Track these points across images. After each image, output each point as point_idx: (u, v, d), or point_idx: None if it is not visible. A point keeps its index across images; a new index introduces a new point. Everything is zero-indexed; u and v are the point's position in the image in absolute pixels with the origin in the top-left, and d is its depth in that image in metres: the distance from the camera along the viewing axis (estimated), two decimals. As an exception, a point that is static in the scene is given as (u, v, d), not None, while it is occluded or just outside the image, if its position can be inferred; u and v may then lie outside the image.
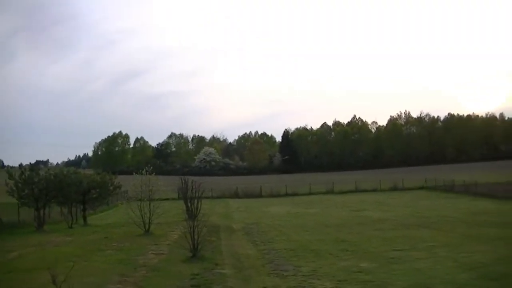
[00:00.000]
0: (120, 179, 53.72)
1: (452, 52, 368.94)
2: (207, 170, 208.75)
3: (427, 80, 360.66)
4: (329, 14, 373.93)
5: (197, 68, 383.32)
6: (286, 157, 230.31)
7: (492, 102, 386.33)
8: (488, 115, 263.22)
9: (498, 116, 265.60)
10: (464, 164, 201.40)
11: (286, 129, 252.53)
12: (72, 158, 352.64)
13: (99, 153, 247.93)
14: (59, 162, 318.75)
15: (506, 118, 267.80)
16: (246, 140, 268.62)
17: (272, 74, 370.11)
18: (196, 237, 26.20)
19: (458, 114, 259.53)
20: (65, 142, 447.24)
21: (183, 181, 48.05)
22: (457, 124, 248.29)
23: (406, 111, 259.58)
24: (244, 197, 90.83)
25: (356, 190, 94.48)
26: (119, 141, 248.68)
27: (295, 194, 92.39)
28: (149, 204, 36.12)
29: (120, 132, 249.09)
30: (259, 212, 61.70)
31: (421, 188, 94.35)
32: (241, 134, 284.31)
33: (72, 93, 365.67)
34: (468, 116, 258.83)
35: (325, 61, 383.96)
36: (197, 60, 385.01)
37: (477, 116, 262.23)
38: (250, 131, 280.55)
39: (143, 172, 38.70)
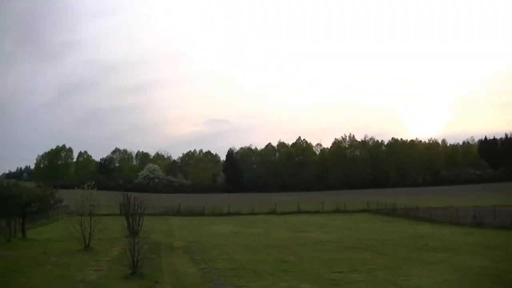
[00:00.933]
0: (61, 193, 52.96)
1: (399, 78, 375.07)
2: (150, 186, 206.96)
3: (372, 104, 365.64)
4: (279, 21, 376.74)
5: (142, 84, 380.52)
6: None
7: (434, 128, 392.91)
8: (431, 141, 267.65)
9: (440, 142, 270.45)
10: (406, 188, 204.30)
11: (230, 148, 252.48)
12: (14, 170, 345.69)
13: (41, 166, 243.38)
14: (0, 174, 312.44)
15: (448, 144, 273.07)
16: (190, 157, 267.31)
17: (217, 92, 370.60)
18: (136, 254, 25.96)
19: (401, 138, 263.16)
20: (6, 155, 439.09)
21: (125, 197, 47.63)
22: (400, 149, 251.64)
23: (350, 134, 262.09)
24: (186, 215, 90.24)
25: (299, 211, 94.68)
26: (62, 154, 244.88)
27: (237, 214, 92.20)
28: (90, 219, 35.69)
29: (64, 145, 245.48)
30: (201, 230, 61.42)
31: (363, 211, 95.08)
32: (185, 151, 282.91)
33: (15, 105, 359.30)
34: (411, 141, 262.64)
35: (268, 81, 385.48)
36: (142, 76, 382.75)
37: (420, 141, 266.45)
38: (195, 149, 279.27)
39: (84, 186, 38.25)
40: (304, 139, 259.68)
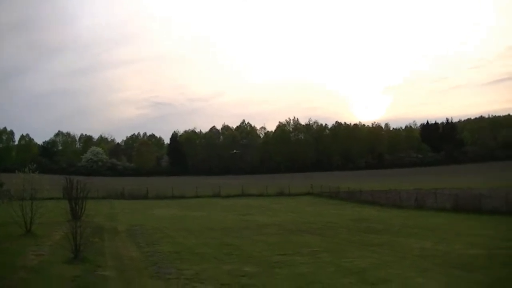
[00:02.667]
0: (2, 177, 52.14)
1: (344, 62, 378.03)
2: (93, 170, 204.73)
3: (317, 88, 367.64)
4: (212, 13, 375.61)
5: (86, 67, 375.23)
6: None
7: (377, 112, 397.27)
8: (374, 125, 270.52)
9: (383, 126, 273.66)
10: (350, 171, 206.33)
11: (174, 132, 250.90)
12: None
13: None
14: None
15: (391, 128, 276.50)
16: (134, 141, 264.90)
17: (161, 75, 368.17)
18: (78, 238, 25.62)
19: (345, 122, 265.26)
20: None
21: (68, 181, 47.00)
22: (344, 132, 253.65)
23: (294, 117, 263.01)
24: (130, 199, 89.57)
25: (243, 195, 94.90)
26: (3, 137, 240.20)
27: (182, 197, 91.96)
28: (32, 204, 35.11)
29: (5, 128, 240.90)
30: (144, 214, 61.05)
31: (307, 194, 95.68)
32: (129, 135, 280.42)
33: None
34: (355, 125, 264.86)
35: (212, 64, 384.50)
36: (86, 59, 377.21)
37: (364, 125, 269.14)
38: (139, 132, 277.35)
39: (26, 170, 37.59)
40: (248, 123, 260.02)
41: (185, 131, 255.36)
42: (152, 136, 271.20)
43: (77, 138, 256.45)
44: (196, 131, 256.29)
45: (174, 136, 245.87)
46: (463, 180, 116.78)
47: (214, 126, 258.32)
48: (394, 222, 45.68)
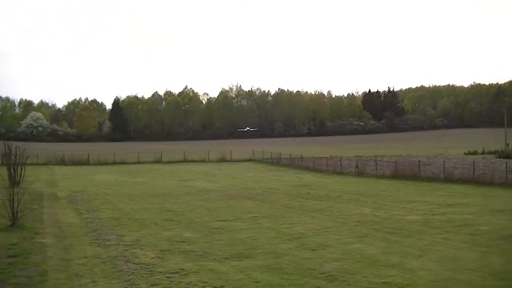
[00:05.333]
0: None
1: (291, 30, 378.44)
2: (34, 135, 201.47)
3: (260, 54, 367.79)
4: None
5: (24, 27, 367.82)
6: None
7: (319, 80, 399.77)
8: (317, 92, 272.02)
9: (326, 94, 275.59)
10: (292, 138, 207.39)
11: (116, 97, 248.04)
12: None
13: None
14: None
15: (333, 96, 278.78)
16: (75, 106, 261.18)
17: (103, 37, 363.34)
18: (16, 204, 25.26)
19: (288, 89, 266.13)
20: None
21: (6, 146, 46.10)
22: (286, 99, 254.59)
23: (237, 84, 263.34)
24: (71, 164, 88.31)
25: (185, 160, 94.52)
26: None
27: (123, 163, 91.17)
28: (-33, 169, 34.44)
29: None
30: (85, 180, 60.37)
31: (249, 160, 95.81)
32: (70, 100, 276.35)
33: None
34: (298, 92, 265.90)
35: (160, 29, 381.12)
36: (24, 18, 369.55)
37: (306, 92, 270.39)
38: (80, 97, 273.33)
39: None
40: (191, 88, 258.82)
41: (127, 97, 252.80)
42: (94, 101, 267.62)
43: (16, 103, 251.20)
44: (138, 97, 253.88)
45: (116, 102, 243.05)
46: (403, 148, 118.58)
47: (156, 91, 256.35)
48: (335, 189, 46.11)
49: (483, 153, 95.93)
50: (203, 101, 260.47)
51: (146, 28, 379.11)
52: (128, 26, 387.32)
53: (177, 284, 15.76)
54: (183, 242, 22.29)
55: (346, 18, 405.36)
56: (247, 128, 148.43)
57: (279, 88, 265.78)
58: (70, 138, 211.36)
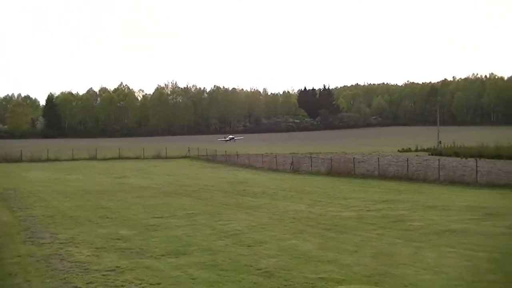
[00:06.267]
0: None
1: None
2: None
3: (196, 50, 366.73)
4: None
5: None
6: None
7: (255, 77, 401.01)
8: (252, 90, 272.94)
9: (261, 91, 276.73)
10: (227, 135, 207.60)
11: (50, 93, 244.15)
12: None
13: None
14: None
15: (269, 93, 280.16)
16: (8, 102, 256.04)
17: (36, 32, 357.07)
18: None
19: (223, 86, 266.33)
20: None
21: None
22: (222, 96, 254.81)
23: (173, 81, 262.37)
24: (3, 162, 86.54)
25: (120, 157, 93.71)
26: None
27: (57, 160, 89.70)
28: None
29: None
30: (18, 177, 59.19)
31: (184, 157, 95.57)
32: (2, 96, 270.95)
33: None
34: (233, 89, 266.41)
35: (95, 25, 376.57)
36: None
37: (242, 89, 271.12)
38: (13, 93, 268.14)
39: None
40: (126, 85, 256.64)
41: (62, 93, 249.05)
42: (27, 97, 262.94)
43: None
44: (73, 93, 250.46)
45: (50, 98, 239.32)
46: (337, 145, 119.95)
47: (91, 88, 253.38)
48: (270, 185, 46.28)
49: (416, 150, 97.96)
50: (139, 97, 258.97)
51: (81, 24, 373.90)
52: (61, 22, 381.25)
53: (113, 282, 15.61)
54: (118, 239, 22.09)
55: (281, 16, 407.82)
56: (230, 136, 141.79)
57: (215, 85, 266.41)
58: (2, 134, 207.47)
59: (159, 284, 15.34)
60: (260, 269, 16.64)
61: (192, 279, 15.78)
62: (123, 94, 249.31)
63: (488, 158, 74.73)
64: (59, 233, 23.54)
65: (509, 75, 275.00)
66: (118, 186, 47.53)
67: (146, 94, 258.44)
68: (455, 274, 15.75)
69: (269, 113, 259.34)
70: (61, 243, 21.37)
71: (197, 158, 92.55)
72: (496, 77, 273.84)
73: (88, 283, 15.55)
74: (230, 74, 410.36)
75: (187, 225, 25.58)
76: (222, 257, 18.46)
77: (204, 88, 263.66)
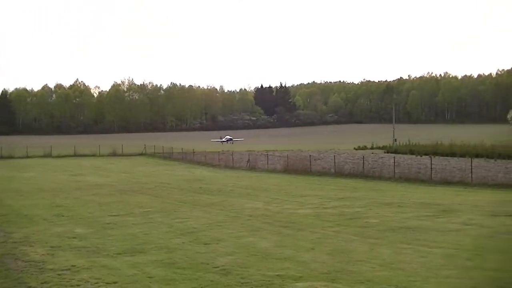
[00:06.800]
0: None
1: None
2: None
3: (152, 46, 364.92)
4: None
5: None
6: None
7: (212, 74, 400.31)
8: (209, 87, 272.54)
9: (218, 88, 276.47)
10: (184, 132, 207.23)
11: (4, 89, 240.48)
12: None
13: None
14: None
15: (225, 91, 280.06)
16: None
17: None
18: None
19: (180, 83, 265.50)
20: None
21: None
22: (178, 93, 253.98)
23: (129, 77, 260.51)
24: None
25: (75, 155, 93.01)
26: None
27: (10, 157, 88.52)
28: None
29: None
30: (-30, 175, 58.34)
31: (141, 154, 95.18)
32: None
33: None
34: (190, 86, 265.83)
35: (55, 20, 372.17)
36: None
37: (198, 87, 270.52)
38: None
39: None
40: (82, 81, 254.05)
41: (16, 89, 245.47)
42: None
43: None
44: (28, 89, 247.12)
45: (4, 94, 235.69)
46: (294, 143, 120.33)
47: (46, 84, 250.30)
48: (227, 183, 46.29)
49: (372, 148, 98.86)
50: (95, 94, 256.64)
51: (36, 19, 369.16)
52: (14, 16, 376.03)
53: (68, 281, 15.42)
54: (74, 238, 21.87)
55: (236, 13, 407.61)
56: (227, 137, 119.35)
57: (171, 83, 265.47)
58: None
59: (115, 283, 15.21)
60: (217, 267, 16.60)
61: (149, 277, 15.68)
62: (78, 90, 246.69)
63: (442, 155, 75.80)
64: (13, 232, 23.22)
65: (463, 74, 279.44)
66: (74, 184, 47.12)
67: (102, 91, 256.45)
68: (410, 270, 15.90)
69: (226, 110, 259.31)
70: (15, 242, 21.08)
71: (153, 155, 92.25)
72: (450, 76, 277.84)
73: (43, 283, 15.34)
74: (187, 71, 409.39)
75: (144, 223, 25.45)
76: (179, 255, 18.38)
77: (161, 85, 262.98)
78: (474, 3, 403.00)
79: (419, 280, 14.74)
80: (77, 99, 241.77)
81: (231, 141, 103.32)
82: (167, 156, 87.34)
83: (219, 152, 79.56)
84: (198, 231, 23.27)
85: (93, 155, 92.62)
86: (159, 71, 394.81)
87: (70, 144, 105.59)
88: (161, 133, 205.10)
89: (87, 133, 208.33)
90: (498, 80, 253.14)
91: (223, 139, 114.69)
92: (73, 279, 15.59)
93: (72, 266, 17.06)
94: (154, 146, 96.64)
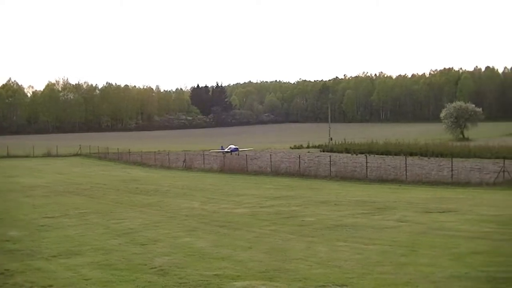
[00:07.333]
0: None
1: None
2: None
3: (88, 46, 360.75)
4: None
5: None
6: None
7: (148, 74, 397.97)
8: (145, 87, 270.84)
9: (154, 88, 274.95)
10: (119, 132, 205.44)
11: None
12: None
13: None
14: None
15: (161, 91, 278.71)
16: None
17: None
18: None
19: (116, 83, 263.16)
20: None
21: None
22: (114, 93, 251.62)
23: (64, 77, 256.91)
24: None
25: (8, 156, 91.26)
26: None
27: None
28: None
29: None
30: None
31: (76, 155, 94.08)
32: None
33: None
34: (126, 86, 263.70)
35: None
36: None
37: (134, 86, 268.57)
38: None
39: None
40: (15, 81, 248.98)
41: None
42: None
43: None
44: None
45: None
46: (230, 142, 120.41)
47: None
48: (163, 183, 46.12)
49: (308, 147, 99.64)
50: (28, 94, 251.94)
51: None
52: None
53: (2, 286, 15.13)
54: (7, 241, 21.46)
55: (173, 12, 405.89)
56: (232, 147, 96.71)
57: (107, 82, 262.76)
58: None
59: (51, 286, 14.98)
60: (155, 268, 16.52)
61: (85, 279, 15.50)
62: (11, 90, 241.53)
63: (378, 154, 76.92)
64: None
65: (397, 74, 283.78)
66: (7, 185, 46.33)
67: (36, 90, 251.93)
68: (347, 267, 16.09)
69: (162, 110, 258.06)
70: None
71: (89, 156, 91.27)
72: (385, 76, 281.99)
73: (-25, 288, 15.06)
74: (123, 71, 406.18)
75: (79, 225, 25.17)
76: (115, 256, 18.23)
77: (96, 84, 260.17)
78: (408, 4, 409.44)
79: (355, 277, 14.92)
80: (10, 99, 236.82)
81: (237, 152, 78.55)
82: (103, 156, 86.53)
83: (155, 152, 79.06)
84: (135, 232, 23.13)
85: (27, 156, 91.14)
86: (95, 70, 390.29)
87: (2, 145, 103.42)
88: (96, 133, 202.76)
89: (20, 133, 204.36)
90: (431, 80, 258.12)
91: (227, 149, 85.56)
92: (6, 283, 15.30)
93: (6, 270, 16.72)
94: (90, 146, 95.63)
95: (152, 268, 16.55)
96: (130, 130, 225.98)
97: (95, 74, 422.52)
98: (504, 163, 43.93)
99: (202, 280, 15.03)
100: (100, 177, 53.72)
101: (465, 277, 14.58)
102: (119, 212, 29.21)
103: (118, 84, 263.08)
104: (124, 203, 33.77)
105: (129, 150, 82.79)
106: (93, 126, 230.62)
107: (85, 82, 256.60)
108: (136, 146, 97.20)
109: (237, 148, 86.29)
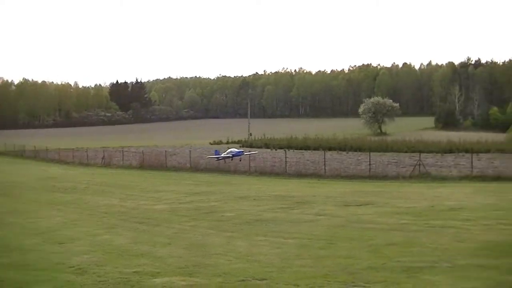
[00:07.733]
0: None
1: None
2: None
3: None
4: None
5: None
6: None
7: (66, 70, 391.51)
8: (63, 83, 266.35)
9: (72, 84, 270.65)
10: (36, 129, 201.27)
11: None
12: None
13: None
14: None
15: (80, 87, 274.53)
16: None
17: None
18: None
19: (32, 79, 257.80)
20: None
21: None
22: (31, 89, 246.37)
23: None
24: None
25: None
26: None
27: None
28: None
29: None
30: None
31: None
32: None
33: None
34: (43, 82, 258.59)
35: None
36: None
37: (52, 82, 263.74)
38: None
39: None
40: None
41: None
42: None
43: None
44: None
45: None
46: (149, 139, 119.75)
47: None
48: (81, 180, 45.55)
49: (227, 142, 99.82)
50: None
51: None
52: None
53: None
54: None
55: (92, 8, 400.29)
56: (232, 150, 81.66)
57: (23, 78, 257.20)
58: None
59: (-37, 289, 14.66)
60: (73, 266, 16.30)
61: (1, 281, 15.18)
62: None
63: (297, 149, 77.82)
64: None
65: (316, 70, 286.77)
66: None
67: None
68: (266, 261, 16.24)
69: (80, 106, 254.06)
70: None
71: (4, 153, 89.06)
72: (305, 71, 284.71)
73: None
74: (40, 67, 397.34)
75: (-11, 225, 24.64)
76: (32, 256, 17.92)
77: (12, 80, 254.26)
78: (327, 1, 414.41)
79: (275, 271, 15.06)
80: None
81: (240, 157, 61.53)
82: (19, 154, 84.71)
83: (73, 149, 77.94)
84: (52, 230, 22.79)
85: None
86: (10, 66, 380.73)
87: None
88: (12, 130, 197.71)
89: None
90: (350, 76, 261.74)
91: (225, 154, 63.74)
92: None
93: None
94: (5, 144, 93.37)
95: (70, 267, 16.32)
96: (48, 127, 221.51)
97: (11, 70, 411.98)
98: (419, 156, 45.21)
99: (121, 278, 14.92)
100: (17, 176, 52.62)
101: (382, 268, 14.92)
102: (36, 211, 28.75)
103: (35, 80, 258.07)
104: (41, 201, 33.26)
105: (46, 147, 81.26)
106: (8, 123, 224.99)
107: (0, 78, 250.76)
108: (54, 143, 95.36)
109: (242, 152, 65.44)
